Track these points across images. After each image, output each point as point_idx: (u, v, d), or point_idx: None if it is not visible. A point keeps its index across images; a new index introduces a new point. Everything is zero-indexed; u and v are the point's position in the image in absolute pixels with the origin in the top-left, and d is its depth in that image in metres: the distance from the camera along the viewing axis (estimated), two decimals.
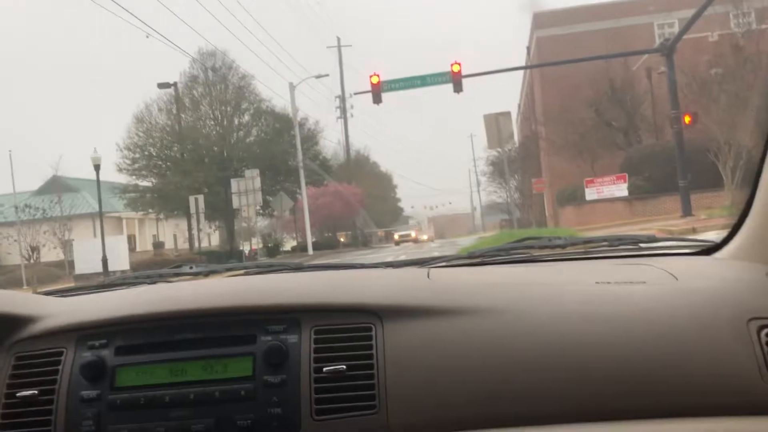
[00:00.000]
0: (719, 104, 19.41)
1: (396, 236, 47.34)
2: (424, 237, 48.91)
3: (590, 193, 25.47)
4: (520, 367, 1.17)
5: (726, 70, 21.09)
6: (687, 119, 19.59)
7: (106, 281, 2.00)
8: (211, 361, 1.26)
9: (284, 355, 1.24)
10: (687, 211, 19.23)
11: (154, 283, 1.84)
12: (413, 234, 47.90)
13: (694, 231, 12.69)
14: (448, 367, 1.19)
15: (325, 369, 1.21)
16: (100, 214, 27.51)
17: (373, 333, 1.25)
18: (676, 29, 26.31)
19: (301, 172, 31.55)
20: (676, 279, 1.35)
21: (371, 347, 1.23)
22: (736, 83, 19.37)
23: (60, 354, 1.30)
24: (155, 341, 1.29)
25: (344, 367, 1.21)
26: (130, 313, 1.33)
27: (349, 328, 1.26)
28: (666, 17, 32.63)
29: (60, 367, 1.29)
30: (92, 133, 75.53)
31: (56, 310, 1.41)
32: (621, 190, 24.63)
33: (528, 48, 38.68)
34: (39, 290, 2.29)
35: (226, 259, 26.96)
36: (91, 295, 1.67)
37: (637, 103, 27.91)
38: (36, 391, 1.26)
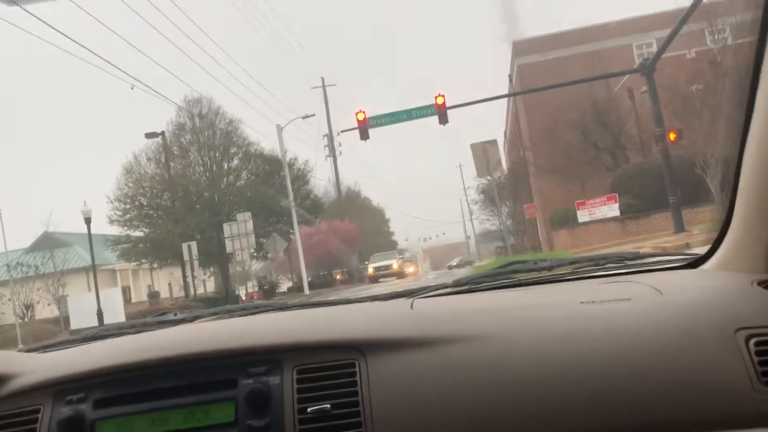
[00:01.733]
0: (702, 119, 19.62)
1: (370, 270, 36.59)
2: (411, 269, 39.11)
3: (582, 215, 25.54)
4: (507, 392, 1.14)
5: (706, 85, 21.40)
6: (672, 136, 19.80)
7: (89, 334, 1.97)
8: (192, 408, 1.23)
9: (267, 398, 1.21)
10: (679, 228, 19.29)
11: (138, 332, 1.80)
12: (395, 266, 36.52)
13: (687, 247, 12.70)
14: (436, 398, 1.16)
15: (309, 409, 1.18)
16: (93, 268, 27.33)
17: (357, 369, 1.23)
18: (654, 49, 26.70)
19: (293, 213, 31.55)
20: (661, 293, 1.34)
21: (356, 384, 1.21)
22: (717, 97, 19.61)
23: (37, 411, 1.27)
24: (135, 391, 1.26)
25: (329, 406, 1.18)
26: (107, 365, 1.30)
27: (332, 365, 1.24)
28: (644, 38, 33.16)
29: (37, 426, 1.25)
30: (82, 186, 75.54)
31: (35, 367, 1.38)
32: (612, 210, 24.73)
33: (510, 76, 39.11)
34: (20, 347, 2.25)
35: (222, 304, 26.73)
36: (71, 349, 1.64)
37: (622, 123, 28.20)
38: None
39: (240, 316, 1.80)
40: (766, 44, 1.14)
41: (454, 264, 54.84)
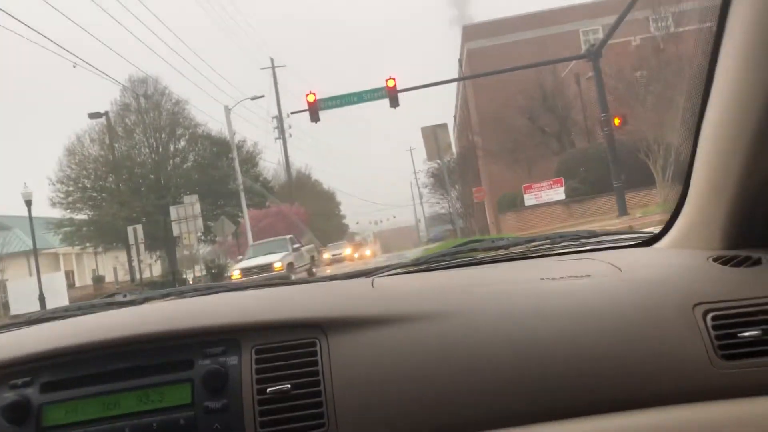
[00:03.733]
0: (646, 105, 20.14)
1: (326, 255, 37.59)
2: (367, 253, 41.33)
3: (529, 199, 25.99)
4: (470, 370, 1.14)
5: (650, 72, 21.94)
6: (616, 121, 20.24)
7: (34, 316, 1.89)
8: (146, 390, 1.19)
9: (224, 379, 1.18)
10: (623, 211, 19.82)
11: (86, 314, 1.74)
12: (347, 252, 38.90)
13: (631, 229, 13.05)
14: (398, 377, 1.15)
15: (268, 390, 1.16)
16: (35, 251, 26.48)
17: (318, 348, 1.20)
18: (600, 35, 27.20)
19: (242, 195, 31.12)
20: (620, 270, 1.36)
21: (316, 363, 1.18)
22: (660, 84, 20.15)
23: None
24: (84, 374, 1.21)
25: (289, 386, 1.16)
26: (55, 347, 1.25)
27: (291, 345, 1.21)
28: (590, 24, 33.74)
29: None
30: (21, 168, 72.82)
31: None
32: (558, 193, 25.24)
33: (460, 60, 39.32)
34: None
35: (170, 288, 26.22)
36: (16, 332, 1.57)
37: (568, 108, 28.71)
38: None
39: (193, 297, 1.76)
40: (725, 26, 1.16)
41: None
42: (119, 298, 1.92)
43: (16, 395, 1.19)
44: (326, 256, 37.57)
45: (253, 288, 1.77)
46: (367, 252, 41.75)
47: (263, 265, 23.64)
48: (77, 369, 1.22)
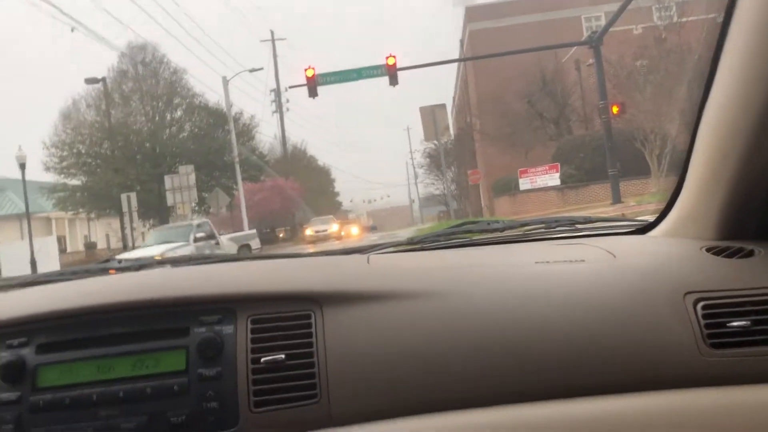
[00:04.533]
0: (645, 94, 20.12)
1: (308, 232, 34.18)
2: (354, 231, 37.08)
3: (524, 183, 26.04)
4: (464, 349, 1.15)
5: (650, 61, 21.90)
6: (615, 110, 20.21)
7: (29, 278, 1.90)
8: (141, 356, 1.20)
9: (219, 347, 1.19)
10: (617, 199, 19.87)
11: (81, 279, 1.75)
12: (333, 229, 34.35)
13: (624, 217, 13.08)
14: (391, 353, 1.16)
15: (262, 359, 1.17)
16: (27, 215, 26.39)
17: (313, 320, 1.22)
18: (603, 22, 27.06)
19: (237, 168, 31.02)
20: (614, 257, 1.37)
21: (311, 335, 1.20)
22: (660, 74, 20.13)
23: None
24: (80, 337, 1.22)
25: (283, 356, 1.17)
26: (52, 309, 1.26)
27: (287, 316, 1.22)
28: (593, 10, 33.55)
29: None
30: (16, 131, 72.23)
31: None
32: (554, 179, 25.29)
33: (461, 41, 39.11)
34: None
35: None
36: (12, 292, 1.58)
37: (567, 94, 28.69)
38: None
39: (188, 266, 1.77)
40: (732, 17, 1.16)
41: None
42: (114, 264, 1.93)
43: (12, 355, 1.20)
44: (308, 232, 33.90)
45: (248, 259, 1.78)
46: (354, 230, 37.87)
47: (324, 229, 24.69)
48: (73, 332, 1.23)
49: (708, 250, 1.34)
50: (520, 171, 26.28)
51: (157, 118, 34.51)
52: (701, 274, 1.25)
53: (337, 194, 61.49)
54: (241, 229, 30.86)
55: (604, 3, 30.65)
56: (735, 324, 1.15)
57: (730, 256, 1.30)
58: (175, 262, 1.85)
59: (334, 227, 34.54)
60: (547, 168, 25.67)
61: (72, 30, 19.64)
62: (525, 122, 28.30)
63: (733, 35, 1.18)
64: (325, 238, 32.64)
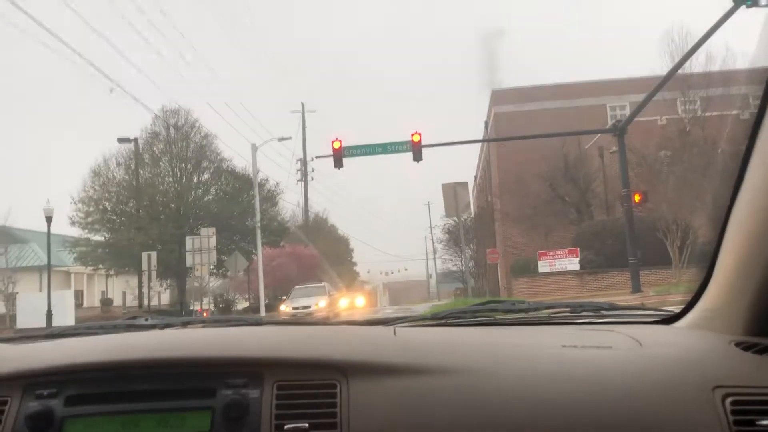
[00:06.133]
0: (667, 185, 20.17)
1: (284, 308, 26.11)
2: (360, 303, 30.40)
3: (543, 266, 25.87)
4: (488, 427, 1.15)
5: (674, 152, 22.04)
6: (637, 198, 20.24)
7: (56, 330, 1.93)
8: (166, 414, 1.21)
9: (245, 410, 1.20)
10: (636, 288, 19.62)
11: (107, 333, 1.77)
12: (320, 305, 24.97)
13: (644, 306, 12.88)
14: (416, 427, 1.16)
15: (286, 427, 1.18)
16: (48, 267, 26.65)
17: (338, 390, 1.22)
18: (627, 111, 27.45)
19: (258, 233, 31.25)
20: (641, 345, 1.37)
21: (335, 405, 1.20)
22: (683, 166, 20.21)
23: (4, 403, 1.24)
24: (108, 391, 1.23)
25: (306, 425, 1.18)
26: (82, 361, 1.28)
27: (313, 384, 1.23)
28: (618, 100, 34.09)
29: (3, 417, 1.22)
30: (46, 184, 73.63)
31: (4, 357, 1.35)
32: (573, 263, 25.11)
33: (486, 122, 39.75)
34: None
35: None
36: (41, 343, 1.61)
37: (590, 180, 28.80)
38: None
39: (217, 327, 1.78)
40: (765, 113, 1.20)
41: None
42: (141, 321, 1.95)
43: (41, 405, 1.22)
44: (284, 308, 26.19)
45: (275, 324, 1.80)
46: (360, 301, 31.67)
47: (306, 306, 23.98)
48: (101, 386, 1.24)
49: (737, 344, 1.33)
50: (540, 253, 26.16)
51: (184, 179, 35.13)
52: (730, 368, 1.24)
53: (354, 264, 61.35)
54: (256, 293, 30.60)
55: (630, 93, 31.16)
56: (765, 423, 1.14)
57: (760, 352, 1.29)
58: (202, 322, 1.87)
59: (321, 303, 25.36)
60: (567, 252, 25.55)
61: (111, 91, 20.34)
62: (546, 205, 28.36)
63: (764, 136, 1.21)
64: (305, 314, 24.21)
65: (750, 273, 1.31)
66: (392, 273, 73.67)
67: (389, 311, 31.13)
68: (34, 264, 35.63)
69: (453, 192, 22.13)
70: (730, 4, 12.82)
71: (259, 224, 31.26)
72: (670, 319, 1.67)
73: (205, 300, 31.68)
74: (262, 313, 30.41)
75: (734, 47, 22.82)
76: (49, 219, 25.65)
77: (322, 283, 28.89)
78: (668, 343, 1.43)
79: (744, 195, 1.29)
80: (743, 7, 12.29)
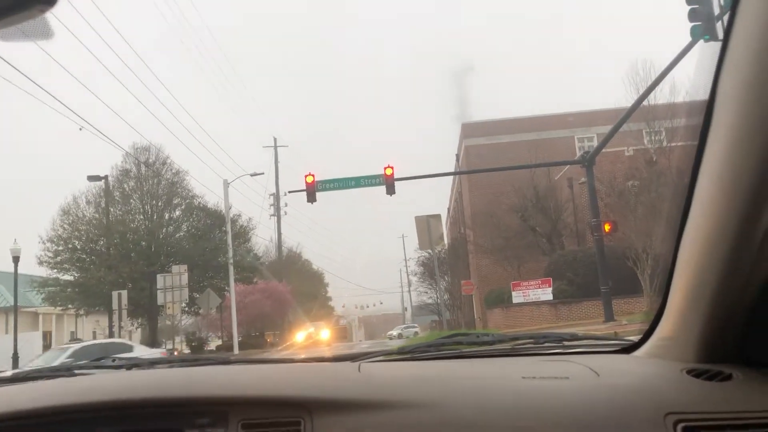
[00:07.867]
0: (636, 214, 20.47)
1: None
2: (325, 334, 29.95)
3: (517, 296, 25.99)
4: None
5: (641, 182, 22.44)
6: (607, 228, 20.53)
7: (20, 374, 1.91)
8: None
9: None
10: (609, 317, 19.78)
11: (74, 376, 1.76)
12: None
13: (616, 336, 13.02)
14: None
15: None
16: (15, 309, 26.07)
17: (302, 428, 1.23)
18: (595, 143, 28.00)
19: (231, 269, 30.96)
20: (598, 375, 1.41)
21: None
22: (651, 195, 20.56)
23: None
24: None
25: None
26: (47, 404, 1.27)
27: (277, 422, 1.24)
28: (585, 131, 34.76)
29: None
30: (11, 224, 72.26)
31: None
32: (546, 293, 25.25)
33: (457, 155, 40.18)
34: None
35: None
36: (5, 387, 1.59)
37: (560, 210, 29.17)
38: None
39: (180, 367, 1.78)
40: (705, 146, 1.25)
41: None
42: (108, 362, 1.95)
43: None
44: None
45: (240, 362, 1.80)
46: (324, 334, 31.87)
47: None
48: (67, 429, 1.24)
49: (689, 372, 1.38)
50: (513, 284, 26.30)
51: (155, 217, 34.79)
52: (682, 395, 1.28)
53: (329, 299, 60.98)
54: (229, 331, 30.21)
55: (597, 125, 31.81)
56: None
57: (710, 378, 1.34)
58: (169, 362, 1.87)
59: None
60: (540, 282, 25.71)
61: (80, 129, 20.23)
62: (518, 236, 28.61)
63: (706, 163, 1.26)
64: None
65: (698, 303, 1.36)
66: (368, 307, 73.41)
67: (365, 346, 30.97)
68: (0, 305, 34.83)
69: (426, 224, 22.24)
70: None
71: (231, 261, 30.99)
72: (629, 348, 1.71)
73: (177, 338, 31.16)
74: (236, 350, 29.99)
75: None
76: (16, 259, 25.16)
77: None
78: (624, 372, 1.47)
79: (690, 225, 1.34)
80: (701, 41, 12.68)
